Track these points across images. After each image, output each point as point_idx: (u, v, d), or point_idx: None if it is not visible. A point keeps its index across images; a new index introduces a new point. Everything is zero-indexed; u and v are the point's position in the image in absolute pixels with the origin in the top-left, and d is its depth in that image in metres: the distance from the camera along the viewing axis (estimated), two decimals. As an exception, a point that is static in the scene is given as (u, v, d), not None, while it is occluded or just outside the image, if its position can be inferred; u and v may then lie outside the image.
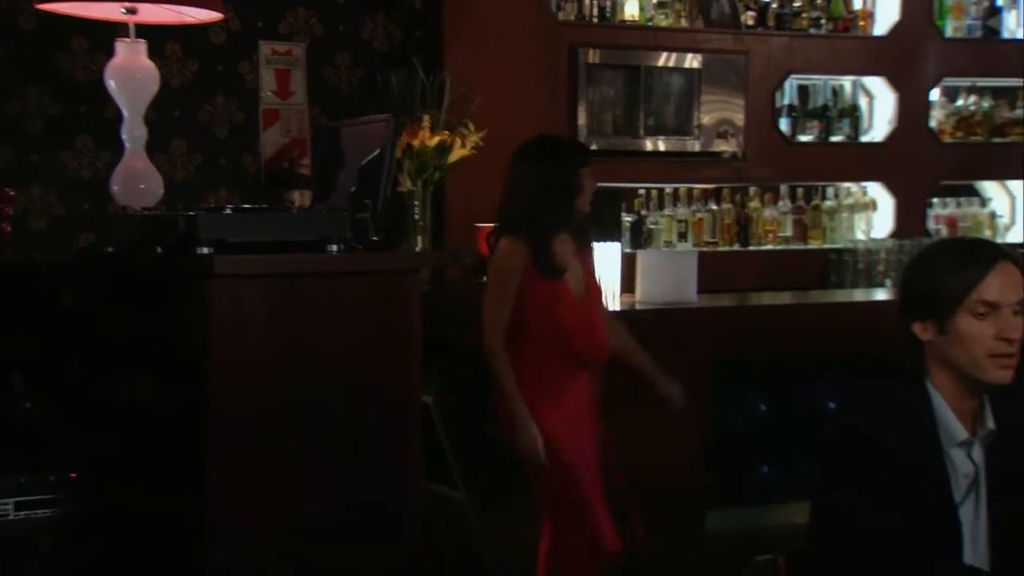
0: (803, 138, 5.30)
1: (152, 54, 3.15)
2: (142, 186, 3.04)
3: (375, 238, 2.72)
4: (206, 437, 2.46)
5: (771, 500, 3.31)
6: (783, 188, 5.24)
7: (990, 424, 1.93)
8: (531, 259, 3.16)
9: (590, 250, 3.36)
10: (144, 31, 3.15)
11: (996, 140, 5.58)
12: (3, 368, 3.11)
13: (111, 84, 3.07)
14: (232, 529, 2.48)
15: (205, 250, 2.49)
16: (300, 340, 2.56)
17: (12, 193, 3.43)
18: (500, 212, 3.30)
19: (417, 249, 4.28)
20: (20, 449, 2.96)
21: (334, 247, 2.62)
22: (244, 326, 2.50)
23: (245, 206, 2.81)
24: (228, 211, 2.70)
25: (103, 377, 2.93)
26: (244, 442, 2.49)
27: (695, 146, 4.95)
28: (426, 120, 4.33)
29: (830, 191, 5.35)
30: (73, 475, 2.92)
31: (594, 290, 3.31)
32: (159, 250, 2.63)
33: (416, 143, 4.34)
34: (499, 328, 3.17)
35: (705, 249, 4.92)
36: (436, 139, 4.35)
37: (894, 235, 5.32)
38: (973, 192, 5.73)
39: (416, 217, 4.43)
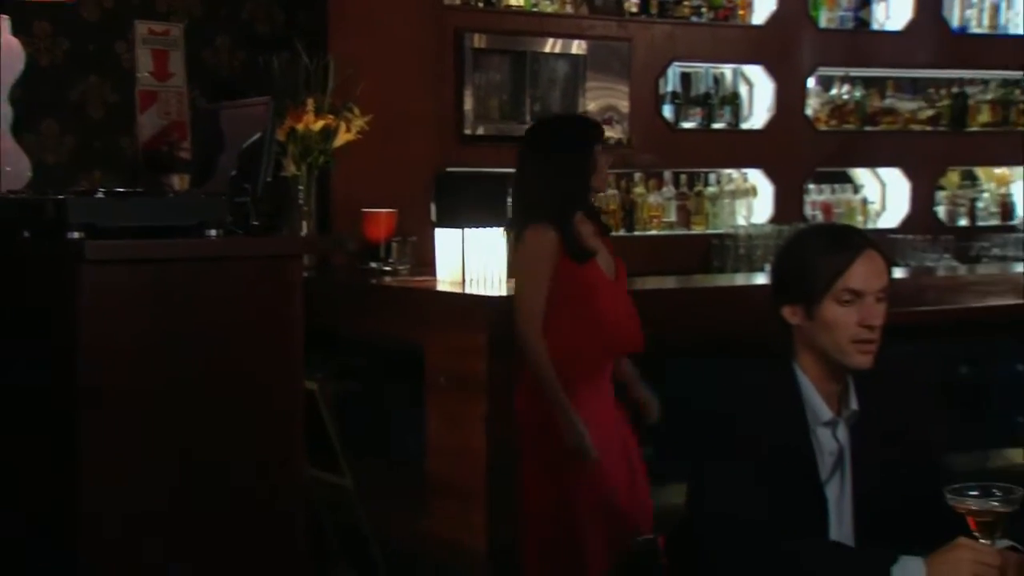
0: (686, 125, 5.40)
1: (18, 31, 3.04)
2: (8, 168, 2.93)
3: (255, 223, 2.68)
4: (77, 426, 2.39)
5: (653, 482, 3.37)
6: (667, 174, 5.34)
7: (854, 405, 2.00)
8: (561, 244, 3.06)
9: (608, 232, 3.31)
10: (8, 7, 3.03)
11: (868, 128, 5.78)
12: None
13: (-27, 62, 2.95)
14: (105, 521, 2.42)
15: (76, 235, 2.41)
16: (176, 326, 2.50)
17: None
18: (518, 201, 3.21)
19: (301, 234, 4.22)
20: None
21: (212, 232, 2.57)
22: (117, 313, 2.43)
23: (119, 190, 2.73)
24: (100, 195, 2.62)
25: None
26: (117, 431, 2.42)
27: (580, 132, 4.99)
28: (310, 104, 4.27)
29: (712, 177, 5.47)
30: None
31: (623, 272, 3.25)
32: (27, 235, 2.54)
33: (300, 127, 4.28)
34: (537, 318, 3.05)
35: (591, 234, 4.97)
36: (320, 123, 4.30)
37: (773, 220, 5.47)
38: (846, 179, 5.92)
39: (301, 202, 4.38)
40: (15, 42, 2.99)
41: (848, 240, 2.00)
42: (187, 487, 2.50)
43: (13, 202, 2.67)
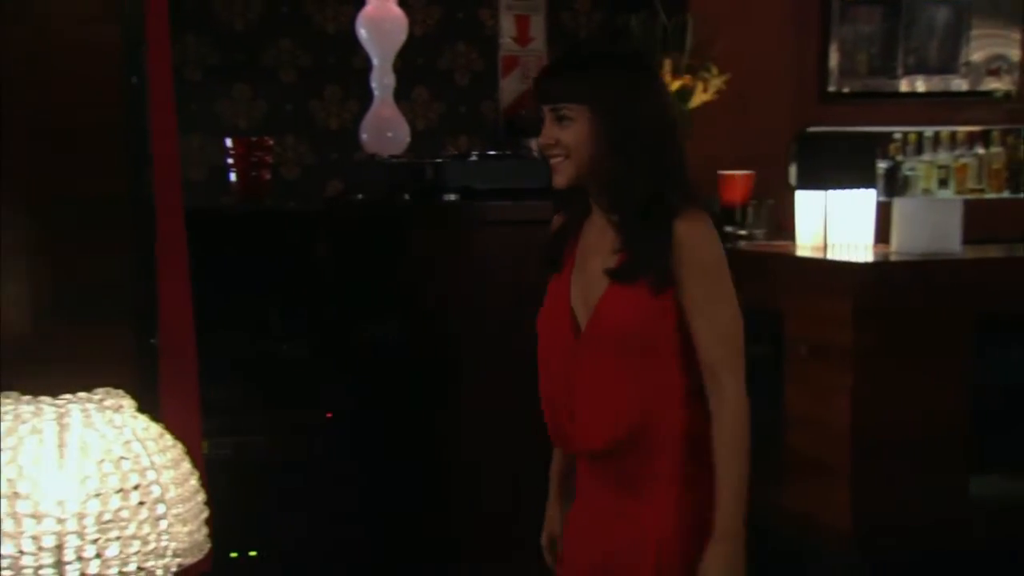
0: (1088, 74, 4.83)
1: (401, 2, 3.17)
2: (389, 134, 3.08)
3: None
4: (458, 379, 2.48)
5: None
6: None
7: None
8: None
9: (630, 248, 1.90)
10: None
11: None
12: (261, 311, 3.24)
13: (362, 33, 3.12)
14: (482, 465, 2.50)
15: (452, 197, 2.50)
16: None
17: (271, 142, 3.55)
18: None
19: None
20: (275, 388, 3.08)
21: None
22: (487, 272, 2.50)
23: (490, 153, 2.81)
24: (474, 158, 2.70)
25: (354, 320, 3.00)
26: (490, 383, 2.50)
27: (961, 85, 4.63)
28: (667, 64, 4.20)
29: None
30: (329, 415, 3.01)
31: (604, 328, 1.90)
32: (407, 197, 2.67)
33: (657, 88, 4.23)
34: None
35: (969, 196, 4.60)
36: (678, 84, 4.22)
37: None
38: None
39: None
40: (400, 14, 3.14)
41: None
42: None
43: (395, 166, 2.81)
